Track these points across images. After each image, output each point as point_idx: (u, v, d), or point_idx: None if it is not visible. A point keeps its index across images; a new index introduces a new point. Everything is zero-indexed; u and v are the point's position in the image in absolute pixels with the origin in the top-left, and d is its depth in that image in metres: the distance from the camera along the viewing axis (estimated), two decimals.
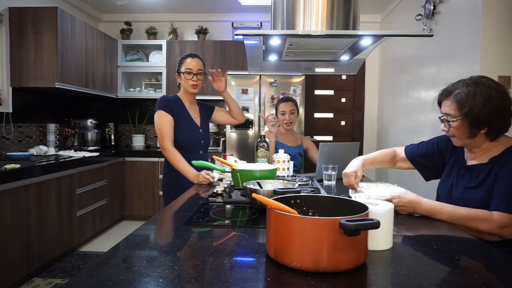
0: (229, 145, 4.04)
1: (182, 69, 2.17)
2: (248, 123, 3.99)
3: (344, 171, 1.64)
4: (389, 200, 1.35)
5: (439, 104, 1.45)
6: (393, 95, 4.09)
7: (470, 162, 1.45)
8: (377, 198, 1.41)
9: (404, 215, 1.37)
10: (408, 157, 1.69)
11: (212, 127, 4.45)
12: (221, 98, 4.31)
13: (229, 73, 4.02)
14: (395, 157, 1.75)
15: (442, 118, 1.43)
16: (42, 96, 3.69)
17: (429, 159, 1.62)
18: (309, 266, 0.80)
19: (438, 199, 1.54)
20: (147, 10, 4.55)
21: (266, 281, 0.79)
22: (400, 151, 1.74)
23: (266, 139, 2.23)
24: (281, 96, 3.80)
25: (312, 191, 1.56)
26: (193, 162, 1.88)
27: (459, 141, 1.41)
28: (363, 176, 2.37)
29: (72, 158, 3.20)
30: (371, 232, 0.90)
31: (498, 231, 1.24)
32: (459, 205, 1.35)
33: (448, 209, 1.31)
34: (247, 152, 3.99)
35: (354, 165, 1.66)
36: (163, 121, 2.09)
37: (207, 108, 2.38)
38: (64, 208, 3.06)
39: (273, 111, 3.92)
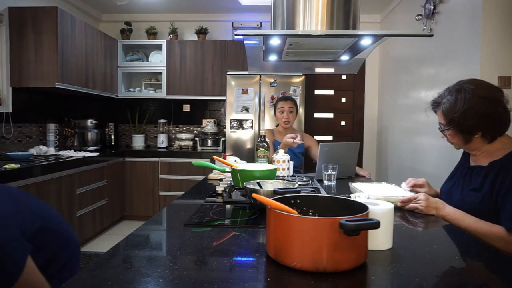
0: (229, 145, 4.04)
1: None
2: (248, 123, 3.99)
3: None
4: (414, 198, 1.37)
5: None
6: (393, 95, 4.09)
7: (472, 164, 1.45)
8: (386, 198, 1.42)
9: (404, 215, 1.37)
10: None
11: (212, 127, 4.45)
12: (221, 98, 4.35)
13: (229, 73, 4.02)
14: None
15: (438, 127, 1.47)
16: (42, 96, 3.69)
17: None
18: (309, 266, 0.80)
19: (440, 198, 1.54)
20: (147, 10, 4.55)
21: (266, 281, 0.79)
22: None
23: (266, 139, 2.23)
24: (281, 96, 3.79)
25: (312, 191, 1.56)
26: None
27: (457, 146, 1.45)
28: (363, 176, 2.37)
29: (72, 158, 3.20)
30: (371, 232, 0.90)
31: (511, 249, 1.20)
32: (458, 206, 1.35)
33: (467, 220, 1.29)
34: (247, 152, 3.99)
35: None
36: None
37: None
38: (64, 208, 3.06)
39: (273, 112, 3.92)
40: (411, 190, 1.58)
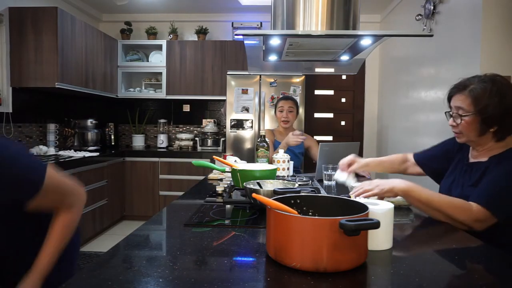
0: (229, 145, 4.04)
1: None
2: (248, 123, 3.99)
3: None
4: (368, 190, 1.34)
5: (449, 98, 1.43)
6: (393, 95, 4.09)
7: (472, 160, 1.45)
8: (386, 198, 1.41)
9: (404, 214, 1.37)
10: (416, 161, 1.70)
11: (212, 127, 4.45)
12: (221, 98, 4.36)
13: (229, 73, 4.02)
14: (406, 162, 1.75)
15: (452, 112, 1.41)
16: (42, 96, 3.69)
17: (437, 161, 1.61)
18: (309, 266, 0.80)
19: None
20: (147, 10, 4.55)
21: (266, 281, 0.79)
22: (411, 156, 1.74)
23: (266, 139, 2.23)
24: (281, 96, 3.80)
25: (312, 191, 1.56)
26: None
27: (464, 137, 1.40)
28: (363, 176, 2.37)
29: (72, 158, 3.20)
30: (371, 232, 0.90)
31: (471, 222, 1.23)
32: None
33: (429, 192, 1.30)
34: (247, 152, 3.99)
35: (361, 159, 1.77)
36: None
37: None
38: None
39: (273, 111, 3.93)
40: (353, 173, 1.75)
